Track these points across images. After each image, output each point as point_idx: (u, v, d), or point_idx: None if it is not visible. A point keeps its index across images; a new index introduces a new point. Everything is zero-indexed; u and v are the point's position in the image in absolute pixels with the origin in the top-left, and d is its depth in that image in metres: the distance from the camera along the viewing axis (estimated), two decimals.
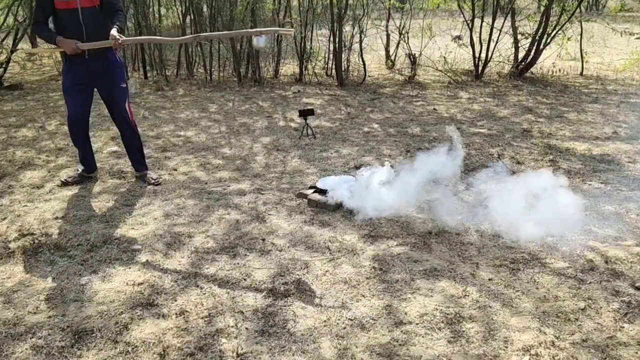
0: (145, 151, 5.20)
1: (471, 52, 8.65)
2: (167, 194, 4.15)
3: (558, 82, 8.44)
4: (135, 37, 3.73)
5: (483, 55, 8.59)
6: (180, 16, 9.05)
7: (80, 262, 3.14)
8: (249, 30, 3.53)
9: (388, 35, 9.52)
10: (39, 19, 3.96)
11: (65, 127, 4.88)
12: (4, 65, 8.45)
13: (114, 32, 3.80)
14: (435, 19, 10.71)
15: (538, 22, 8.46)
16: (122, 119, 4.24)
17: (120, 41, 3.82)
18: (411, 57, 8.82)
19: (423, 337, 2.44)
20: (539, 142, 5.34)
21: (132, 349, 2.39)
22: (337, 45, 8.26)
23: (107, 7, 3.92)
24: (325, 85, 8.42)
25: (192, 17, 8.95)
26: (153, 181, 4.36)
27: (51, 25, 4.02)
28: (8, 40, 8.82)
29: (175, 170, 4.71)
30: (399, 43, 9.19)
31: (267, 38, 3.59)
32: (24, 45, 9.87)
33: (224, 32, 3.82)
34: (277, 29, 3.48)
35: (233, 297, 2.76)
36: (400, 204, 3.74)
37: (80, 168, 4.46)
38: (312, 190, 3.99)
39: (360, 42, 8.59)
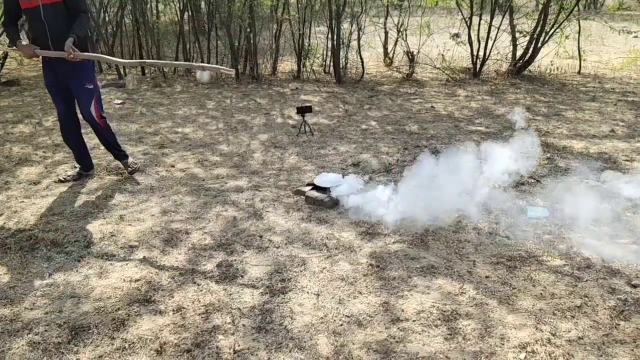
0: (143, 147, 5.21)
1: (469, 50, 8.65)
2: (164, 191, 4.15)
3: (556, 80, 8.45)
4: (88, 54, 3.78)
5: (481, 53, 8.59)
6: (178, 12, 9.03)
7: (77, 259, 3.13)
8: (193, 64, 3.74)
9: (386, 33, 9.52)
10: (7, 19, 3.98)
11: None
12: (0, 61, 8.42)
13: (68, 43, 3.76)
14: (434, 17, 10.71)
15: (536, 20, 8.46)
16: (87, 120, 4.17)
17: (72, 55, 3.79)
18: (409, 54, 8.82)
19: (420, 334, 2.45)
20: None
21: (129, 345, 2.39)
22: (335, 42, 8.25)
23: (71, 6, 3.86)
24: (323, 83, 8.41)
25: (190, 14, 8.93)
26: (130, 169, 4.43)
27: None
28: (5, 36, 8.78)
29: (173, 166, 4.71)
30: (397, 40, 9.19)
31: (211, 72, 3.69)
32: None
33: (170, 62, 3.99)
34: (219, 67, 3.66)
35: (230, 294, 2.76)
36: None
37: (78, 166, 4.46)
38: (309, 187, 3.99)
39: (359, 39, 8.58)
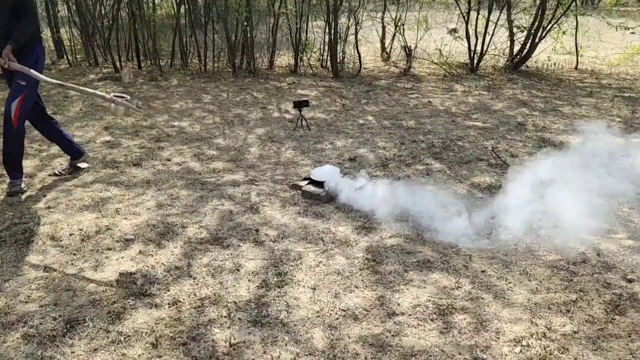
0: (139, 141, 5.19)
1: (467, 45, 8.64)
2: (160, 184, 4.13)
3: (553, 75, 8.45)
4: (21, 66, 3.75)
5: (478, 48, 8.58)
6: (175, 5, 8.98)
7: (73, 252, 3.12)
8: (105, 96, 3.74)
9: (384, 27, 9.49)
10: None
11: (57, 117, 4.84)
12: None
13: (5, 51, 3.66)
14: (431, 11, 10.69)
15: (534, 15, 8.45)
16: (5, 112, 3.91)
17: (6, 66, 3.71)
18: (407, 49, 8.80)
19: (415, 328, 2.45)
20: (533, 136, 5.35)
21: (125, 338, 2.38)
22: (332, 36, 8.23)
23: (16, 6, 3.73)
24: (320, 77, 8.39)
25: (187, 7, 8.89)
26: (9, 189, 3.97)
27: None
28: None
29: (169, 160, 4.69)
30: (394, 35, 9.15)
31: (125, 107, 3.68)
32: None
33: (89, 90, 3.91)
34: (130, 105, 3.66)
35: (226, 288, 2.76)
36: None
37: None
38: (306, 182, 3.98)
39: (356, 33, 8.56)
